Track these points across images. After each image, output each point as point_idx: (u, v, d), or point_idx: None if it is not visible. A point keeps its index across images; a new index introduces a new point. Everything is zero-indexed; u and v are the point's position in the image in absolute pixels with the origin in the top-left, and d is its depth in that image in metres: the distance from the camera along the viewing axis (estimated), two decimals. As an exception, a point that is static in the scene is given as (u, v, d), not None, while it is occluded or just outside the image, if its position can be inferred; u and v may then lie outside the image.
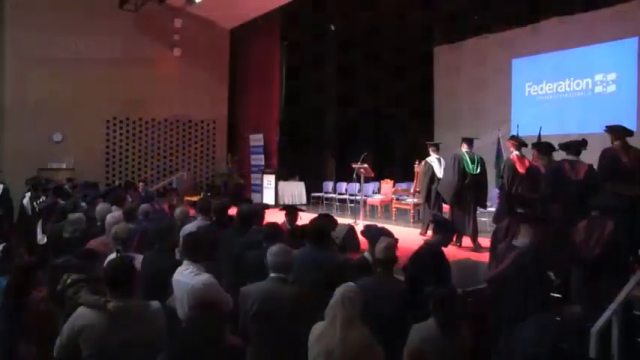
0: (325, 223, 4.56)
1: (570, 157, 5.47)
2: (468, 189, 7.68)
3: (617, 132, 5.59)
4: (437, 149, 8.98)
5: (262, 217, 5.28)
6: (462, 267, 6.43)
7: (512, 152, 7.49)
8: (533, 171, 6.63)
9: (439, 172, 8.61)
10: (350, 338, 2.80)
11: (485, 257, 6.14)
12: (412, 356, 3.17)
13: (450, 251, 7.30)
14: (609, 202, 4.60)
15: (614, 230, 4.28)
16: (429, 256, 4.05)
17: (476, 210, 7.85)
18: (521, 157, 7.40)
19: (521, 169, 7.27)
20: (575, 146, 5.47)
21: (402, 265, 4.14)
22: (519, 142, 7.52)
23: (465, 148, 7.94)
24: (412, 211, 10.68)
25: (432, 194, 8.67)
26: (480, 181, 7.76)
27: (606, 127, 5.64)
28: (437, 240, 4.25)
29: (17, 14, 13.21)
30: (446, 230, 4.32)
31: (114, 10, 13.94)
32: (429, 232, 8.45)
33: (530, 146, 7.04)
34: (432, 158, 8.95)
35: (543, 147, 6.41)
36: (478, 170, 7.72)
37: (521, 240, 3.86)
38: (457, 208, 7.79)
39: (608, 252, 4.21)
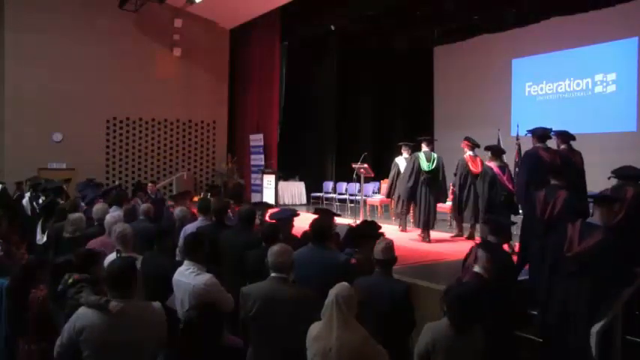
0: (325, 219, 4.52)
1: (541, 145, 5.97)
2: (423, 185, 8.15)
3: (565, 137, 6.25)
4: (409, 149, 9.17)
5: (291, 224, 4.97)
6: (458, 266, 6.42)
7: (466, 152, 8.20)
8: (485, 171, 7.39)
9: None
10: (346, 338, 2.80)
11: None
12: (422, 354, 3.18)
13: (450, 252, 7.34)
14: (630, 171, 4.83)
15: (635, 195, 4.57)
16: (508, 258, 4.26)
17: (433, 204, 8.23)
18: (474, 157, 8.14)
19: (473, 168, 7.99)
20: (541, 134, 6.01)
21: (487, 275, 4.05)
22: (473, 144, 8.20)
23: (424, 147, 8.33)
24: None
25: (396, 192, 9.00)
26: (434, 177, 8.18)
27: (554, 131, 6.24)
28: (499, 240, 4.36)
29: (17, 15, 13.22)
30: (504, 231, 4.45)
31: (114, 10, 13.96)
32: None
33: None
34: (401, 158, 9.27)
35: (494, 150, 7.56)
36: (433, 167, 8.12)
37: (595, 219, 4.03)
38: (412, 203, 8.39)
39: (630, 215, 4.48)
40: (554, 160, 5.83)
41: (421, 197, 8.15)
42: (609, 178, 4.89)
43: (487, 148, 7.74)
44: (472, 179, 8.00)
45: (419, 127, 14.92)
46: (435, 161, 8.15)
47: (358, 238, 4.29)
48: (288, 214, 5.04)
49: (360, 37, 14.80)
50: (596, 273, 3.82)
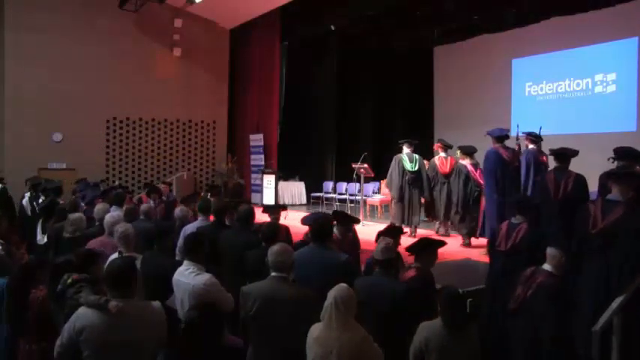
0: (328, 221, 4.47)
1: (500, 145, 6.79)
2: (408, 184, 8.77)
3: (533, 137, 6.90)
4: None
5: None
6: (461, 267, 6.44)
7: (439, 154, 8.77)
8: (459, 169, 8.08)
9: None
10: (346, 339, 2.81)
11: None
12: (416, 353, 3.19)
13: (449, 252, 7.35)
14: (633, 151, 5.02)
15: None
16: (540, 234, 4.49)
17: (417, 202, 8.82)
18: (445, 158, 8.71)
19: (443, 169, 8.62)
20: (498, 135, 6.85)
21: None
22: (445, 145, 8.77)
23: (405, 149, 8.89)
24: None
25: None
26: (418, 176, 8.78)
27: (523, 133, 7.01)
28: (526, 220, 4.54)
29: (17, 15, 13.22)
30: (531, 211, 4.65)
31: (114, 10, 13.96)
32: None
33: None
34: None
35: (465, 149, 8.17)
36: (416, 167, 8.75)
37: (614, 195, 4.14)
38: (401, 202, 8.85)
39: None
40: (512, 158, 6.69)
41: (406, 196, 8.77)
42: (609, 159, 5.00)
43: (459, 148, 8.32)
44: (442, 179, 8.61)
45: (419, 127, 14.95)
46: (417, 162, 8.79)
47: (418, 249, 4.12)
48: (326, 220, 4.73)
49: (360, 37, 14.80)
50: (622, 246, 3.94)
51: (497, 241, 4.63)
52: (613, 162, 4.93)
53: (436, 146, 8.87)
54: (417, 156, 8.86)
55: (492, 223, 6.55)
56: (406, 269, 4.06)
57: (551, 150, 5.76)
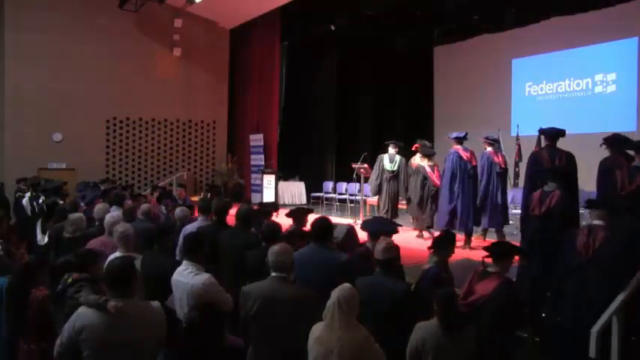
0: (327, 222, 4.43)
1: (460, 146, 7.84)
2: (386, 182, 9.37)
3: (492, 141, 7.90)
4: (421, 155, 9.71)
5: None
6: (461, 267, 6.44)
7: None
8: (420, 170, 8.70)
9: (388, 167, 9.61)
10: (348, 339, 2.81)
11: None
12: (413, 353, 3.19)
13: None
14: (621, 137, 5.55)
15: None
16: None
17: (394, 199, 9.41)
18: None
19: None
20: (455, 136, 7.93)
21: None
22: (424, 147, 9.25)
23: (390, 150, 9.43)
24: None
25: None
26: (396, 176, 9.37)
27: (484, 137, 8.00)
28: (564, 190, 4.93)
29: (17, 15, 13.22)
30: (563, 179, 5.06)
31: (114, 10, 13.96)
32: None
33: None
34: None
35: (424, 151, 8.75)
36: (395, 167, 9.33)
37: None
38: (379, 198, 9.55)
39: None
40: (470, 157, 7.74)
41: (384, 193, 9.35)
42: (601, 145, 5.46)
43: (420, 150, 8.89)
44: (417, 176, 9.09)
45: (419, 127, 14.90)
46: (397, 163, 9.32)
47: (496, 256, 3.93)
48: (385, 229, 4.37)
49: (360, 37, 14.80)
50: None
51: (531, 207, 5.05)
52: (606, 148, 5.44)
53: (414, 147, 9.25)
54: (398, 157, 9.34)
55: (444, 215, 7.88)
56: (483, 276, 3.79)
57: (540, 130, 6.11)
